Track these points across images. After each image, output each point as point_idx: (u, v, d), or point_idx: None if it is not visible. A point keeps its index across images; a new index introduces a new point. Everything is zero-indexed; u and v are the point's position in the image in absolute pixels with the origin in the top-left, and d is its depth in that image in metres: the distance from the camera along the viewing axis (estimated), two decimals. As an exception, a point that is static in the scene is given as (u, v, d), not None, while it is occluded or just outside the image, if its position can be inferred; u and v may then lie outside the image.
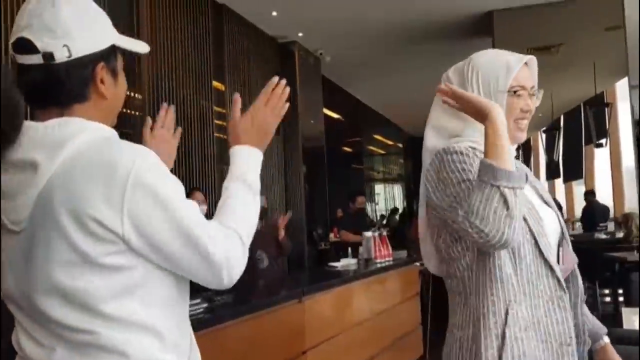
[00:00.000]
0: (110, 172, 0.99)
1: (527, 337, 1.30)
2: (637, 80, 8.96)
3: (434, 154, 1.39)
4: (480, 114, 1.32)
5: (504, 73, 1.40)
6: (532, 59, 1.45)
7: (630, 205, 8.42)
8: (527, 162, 11.58)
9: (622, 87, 8.93)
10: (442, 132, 1.44)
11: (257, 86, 6.54)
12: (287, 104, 1.29)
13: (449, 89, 1.36)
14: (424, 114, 1.53)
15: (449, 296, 1.44)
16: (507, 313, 1.29)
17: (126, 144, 1.05)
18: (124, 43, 1.14)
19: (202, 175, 5.31)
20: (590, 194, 9.76)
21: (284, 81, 1.29)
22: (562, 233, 1.44)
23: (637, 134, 11.88)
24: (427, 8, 6.39)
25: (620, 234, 7.31)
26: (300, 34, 6.91)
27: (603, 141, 10.56)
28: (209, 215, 1.16)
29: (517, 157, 1.44)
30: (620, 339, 2.27)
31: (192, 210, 1.05)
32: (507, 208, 1.22)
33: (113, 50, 1.11)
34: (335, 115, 9.42)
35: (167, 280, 1.07)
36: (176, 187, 1.06)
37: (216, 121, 5.67)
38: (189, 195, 4.20)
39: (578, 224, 9.95)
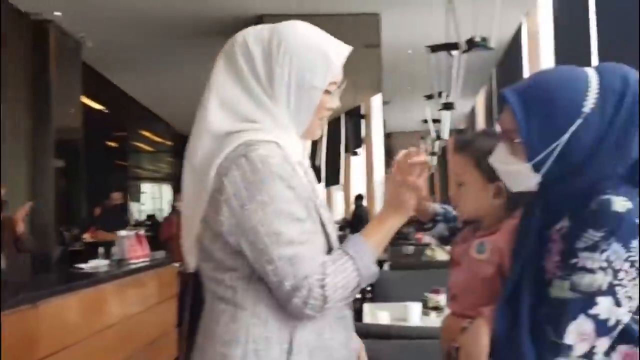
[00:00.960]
0: None
1: None
2: (389, 97, 9.87)
3: (234, 150, 1.15)
4: (401, 208, 1.23)
5: (323, 67, 1.22)
6: (348, 50, 1.28)
7: (379, 210, 9.17)
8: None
9: (376, 101, 9.76)
10: (232, 110, 1.21)
11: None
12: None
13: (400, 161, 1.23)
14: (194, 111, 1.32)
15: (211, 300, 1.23)
16: (292, 339, 1.17)
17: None
18: None
19: None
20: (359, 199, 10.51)
21: None
22: None
23: (388, 145, 13.11)
24: (197, 5, 6.27)
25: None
26: (57, 13, 6.29)
27: (359, 150, 11.47)
28: None
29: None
30: (360, 333, 2.36)
31: None
32: (349, 297, 1.18)
33: None
34: (97, 106, 8.80)
35: None
36: None
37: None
38: None
39: (335, 226, 10.58)
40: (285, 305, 1.14)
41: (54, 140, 6.42)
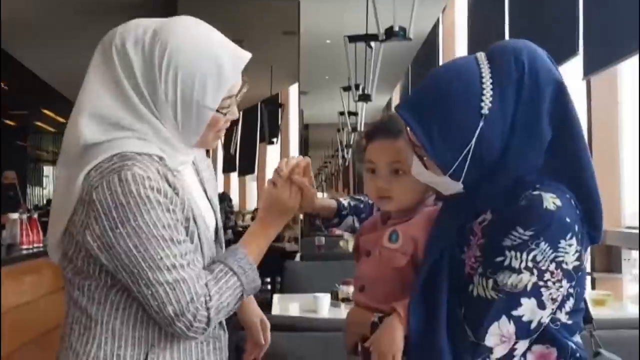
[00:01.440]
0: None
1: None
2: (306, 87, 9.79)
3: (108, 160, 1.05)
4: (283, 211, 1.20)
5: (214, 83, 1.08)
6: (247, 57, 1.14)
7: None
8: (206, 153, 11.73)
9: (293, 90, 9.67)
10: (107, 121, 1.08)
11: None
12: None
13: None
14: None
15: (67, 304, 1.14)
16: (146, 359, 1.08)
17: None
18: None
19: None
20: (274, 188, 10.33)
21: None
22: (217, 231, 1.26)
23: (305, 136, 13.07)
24: (108, -24, 5.92)
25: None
26: (-51, -24, 5.76)
27: (275, 139, 11.35)
28: None
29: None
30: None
31: None
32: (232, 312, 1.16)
33: None
34: (-5, 82, 8.20)
35: None
36: None
37: None
38: None
39: (248, 216, 10.49)
40: (167, 328, 1.06)
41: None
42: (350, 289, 2.78)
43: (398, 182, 1.21)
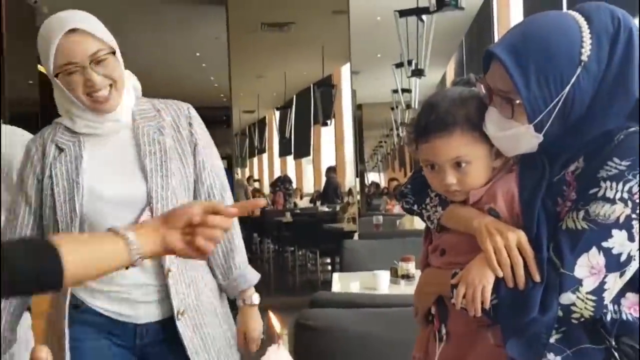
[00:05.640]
0: None
1: None
2: (358, 66, 9.71)
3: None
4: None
5: (49, 54, 1.42)
6: (62, 29, 1.44)
7: (349, 182, 9.13)
8: (261, 138, 11.81)
9: (346, 71, 9.61)
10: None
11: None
12: None
13: None
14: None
15: None
16: None
17: None
18: None
19: None
20: (331, 171, 10.43)
21: None
22: (150, 202, 1.42)
23: (359, 117, 13.00)
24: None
25: (337, 207, 7.87)
26: (8, -22, 5.97)
27: (329, 121, 11.34)
28: None
29: None
30: (327, 301, 2.27)
31: None
32: None
33: None
34: (57, 78, 8.46)
35: None
36: None
37: None
38: None
39: (306, 198, 10.55)
40: None
41: (9, 114, 6.14)
42: (409, 265, 2.76)
43: (464, 174, 1.15)
